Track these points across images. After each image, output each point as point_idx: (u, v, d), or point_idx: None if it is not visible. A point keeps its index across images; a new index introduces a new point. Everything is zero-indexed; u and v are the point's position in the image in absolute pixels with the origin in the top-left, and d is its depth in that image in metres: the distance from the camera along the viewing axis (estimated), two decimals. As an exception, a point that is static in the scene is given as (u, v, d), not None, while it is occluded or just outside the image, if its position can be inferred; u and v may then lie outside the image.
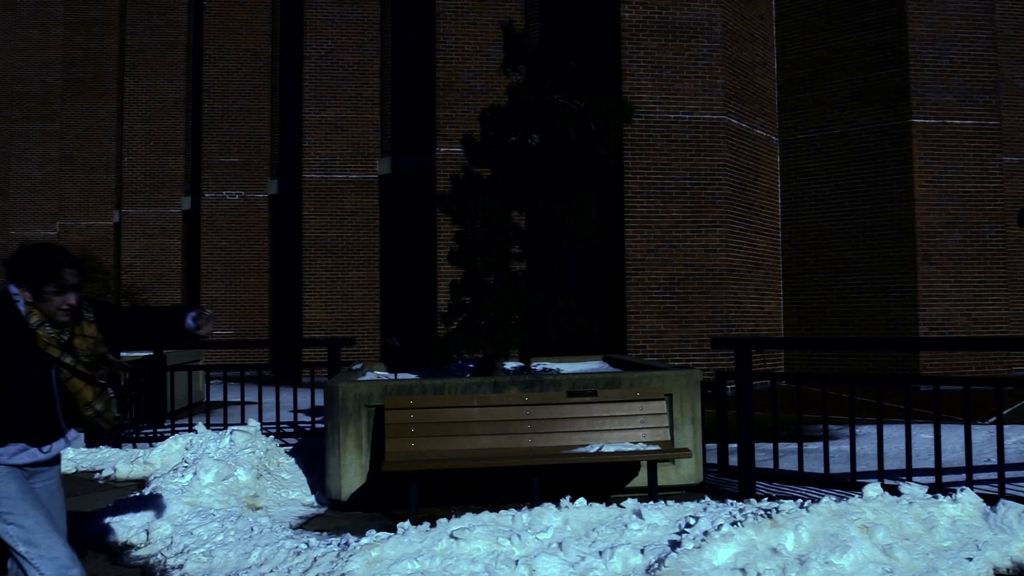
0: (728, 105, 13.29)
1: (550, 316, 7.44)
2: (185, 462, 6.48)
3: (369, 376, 7.33)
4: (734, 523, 4.62)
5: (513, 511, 5.24)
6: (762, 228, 14.29)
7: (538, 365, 8.19)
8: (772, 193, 14.72)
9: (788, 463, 6.58)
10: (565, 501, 5.47)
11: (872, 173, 13.81)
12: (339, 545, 4.76)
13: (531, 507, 5.37)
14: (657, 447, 6.08)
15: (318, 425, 8.79)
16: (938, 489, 5.30)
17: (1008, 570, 4.37)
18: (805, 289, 14.46)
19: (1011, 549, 4.50)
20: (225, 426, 7.94)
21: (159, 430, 8.92)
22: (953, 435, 6.11)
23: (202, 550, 4.87)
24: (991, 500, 5.06)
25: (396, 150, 17.11)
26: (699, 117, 13.04)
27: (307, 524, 5.80)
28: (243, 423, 7.66)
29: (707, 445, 6.79)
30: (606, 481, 6.39)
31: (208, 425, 8.21)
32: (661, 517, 5.15)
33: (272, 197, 18.82)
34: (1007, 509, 4.83)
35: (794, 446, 6.42)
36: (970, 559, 4.35)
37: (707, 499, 5.88)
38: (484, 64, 14.48)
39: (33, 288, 3.08)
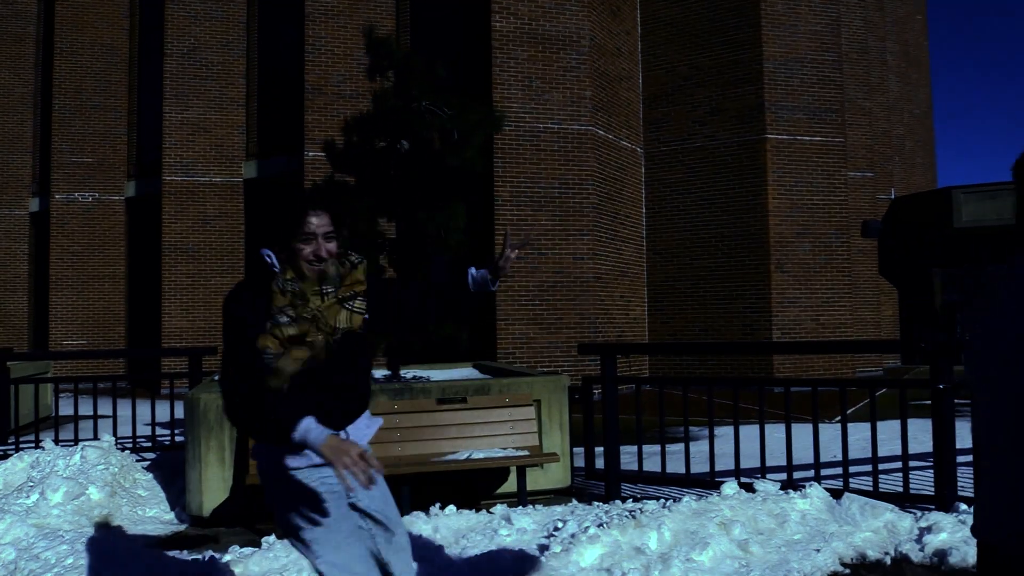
0: (595, 116, 13.62)
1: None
2: (31, 481, 6.08)
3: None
4: (600, 525, 4.73)
5: (383, 521, 5.19)
6: (628, 237, 14.71)
7: (408, 373, 8.15)
8: (637, 203, 15.17)
9: (652, 465, 6.79)
10: (435, 509, 5.47)
11: (730, 185, 14.45)
12: (202, 562, 4.58)
13: (400, 515, 5.34)
14: (526, 452, 6.15)
15: (178, 438, 8.43)
16: (789, 485, 5.60)
17: (852, 559, 4.66)
18: (668, 296, 14.97)
19: (854, 539, 4.80)
20: (76, 442, 7.51)
21: (2, 447, 8.35)
22: (803, 433, 6.45)
23: (50, 575, 4.59)
24: (837, 494, 5.39)
25: (263, 153, 16.66)
26: (567, 127, 13.31)
27: (166, 542, 5.55)
28: (96, 438, 7.26)
29: (574, 449, 6.93)
30: (476, 487, 6.42)
31: (57, 441, 7.75)
32: (530, 521, 5.22)
33: (129, 200, 17.96)
34: (851, 502, 5.15)
35: (658, 448, 6.63)
36: (818, 550, 4.61)
37: (574, 502, 6.00)
38: (354, 68, 14.31)
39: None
